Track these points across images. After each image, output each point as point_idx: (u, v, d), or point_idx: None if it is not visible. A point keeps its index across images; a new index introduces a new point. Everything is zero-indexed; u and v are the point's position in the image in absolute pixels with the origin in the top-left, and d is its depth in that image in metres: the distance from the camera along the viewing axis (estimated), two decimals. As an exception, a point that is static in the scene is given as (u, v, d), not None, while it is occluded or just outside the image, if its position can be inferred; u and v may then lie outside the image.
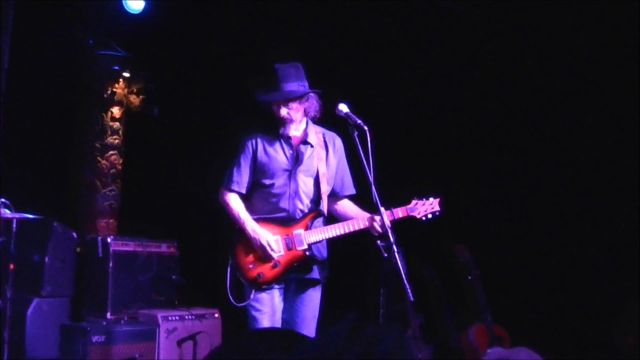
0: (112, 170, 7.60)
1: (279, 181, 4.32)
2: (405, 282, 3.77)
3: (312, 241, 4.27)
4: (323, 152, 4.40)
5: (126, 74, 7.63)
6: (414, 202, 4.33)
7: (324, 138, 4.44)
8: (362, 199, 4.44)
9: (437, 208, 4.34)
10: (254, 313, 4.27)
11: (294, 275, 4.33)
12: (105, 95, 7.53)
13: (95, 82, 7.54)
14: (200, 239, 6.72)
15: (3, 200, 5.32)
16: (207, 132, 7.29)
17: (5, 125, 4.96)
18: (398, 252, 3.84)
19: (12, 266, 5.40)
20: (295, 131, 4.38)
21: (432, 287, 6.01)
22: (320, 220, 4.39)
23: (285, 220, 4.29)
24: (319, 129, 4.47)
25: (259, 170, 4.36)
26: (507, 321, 5.86)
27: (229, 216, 4.38)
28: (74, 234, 6.26)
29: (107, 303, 5.98)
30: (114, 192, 7.60)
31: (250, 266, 4.24)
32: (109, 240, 6.13)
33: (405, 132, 6.87)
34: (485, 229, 6.67)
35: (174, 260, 6.49)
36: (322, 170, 4.37)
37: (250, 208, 4.37)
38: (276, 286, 4.30)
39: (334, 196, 4.51)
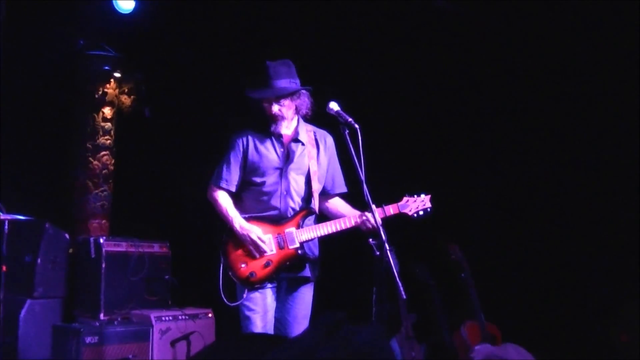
0: (104, 171, 7.59)
1: (270, 179, 4.32)
2: (398, 280, 3.77)
3: (304, 239, 4.27)
4: (314, 150, 4.40)
5: (117, 74, 7.62)
6: (405, 199, 4.34)
7: (315, 136, 4.45)
8: (353, 197, 4.44)
9: (428, 205, 4.35)
10: (247, 312, 4.27)
11: (286, 274, 4.33)
12: (96, 96, 7.52)
13: (86, 83, 7.54)
14: (192, 238, 6.70)
15: (-6, 201, 5.31)
16: (199, 131, 7.28)
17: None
18: (390, 250, 3.84)
19: (4, 268, 5.39)
20: (286, 129, 4.38)
21: (425, 286, 6.01)
22: (311, 218, 4.39)
23: (277, 219, 4.29)
24: (310, 127, 4.47)
25: (250, 169, 4.35)
26: (500, 320, 5.87)
27: (218, 213, 4.37)
28: (66, 235, 6.25)
29: (100, 304, 5.97)
30: (106, 192, 7.59)
31: (242, 265, 4.24)
32: (101, 240, 6.11)
33: (396, 131, 6.86)
34: (478, 228, 6.67)
35: (167, 261, 6.48)
36: (313, 168, 4.37)
37: (240, 207, 4.36)
38: (269, 285, 4.30)
39: (325, 194, 4.51)
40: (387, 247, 3.84)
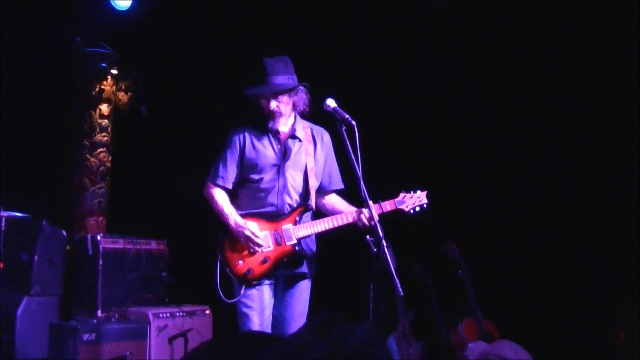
0: (101, 168, 7.58)
1: (268, 176, 4.31)
2: (395, 277, 3.76)
3: (301, 236, 4.27)
4: (311, 147, 4.40)
5: (114, 72, 7.62)
6: (402, 195, 4.34)
7: (312, 133, 4.45)
8: (349, 194, 4.44)
9: (424, 201, 4.36)
10: (244, 309, 4.26)
11: (283, 271, 4.33)
12: (93, 93, 7.51)
13: (83, 80, 7.53)
14: (190, 236, 6.70)
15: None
16: (196, 129, 7.27)
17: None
18: (387, 247, 3.84)
19: (1, 265, 5.38)
20: (284, 126, 4.37)
21: (423, 284, 6.01)
22: (308, 214, 4.39)
23: (274, 215, 4.29)
24: (307, 123, 4.47)
25: (247, 166, 4.35)
26: (497, 317, 5.87)
27: (214, 210, 4.37)
28: (63, 233, 6.25)
29: (97, 301, 5.97)
30: (103, 190, 7.58)
31: (240, 262, 4.23)
32: (98, 238, 6.11)
33: (393, 127, 6.86)
34: (476, 225, 6.67)
35: (164, 258, 6.49)
36: (310, 165, 4.37)
37: (237, 204, 4.36)
38: (266, 282, 4.30)
39: (322, 191, 4.52)
40: (384, 244, 3.84)
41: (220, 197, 4.36)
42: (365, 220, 4.17)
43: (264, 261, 4.23)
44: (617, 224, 5.94)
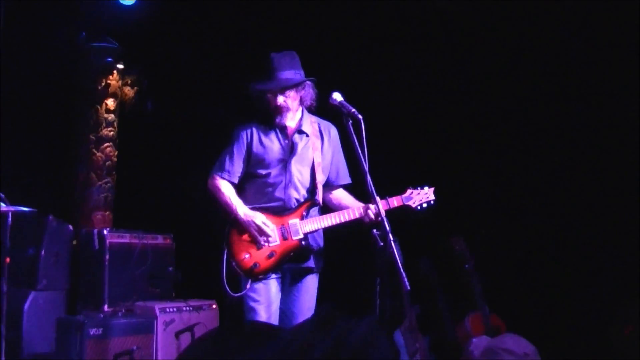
0: (108, 163, 7.59)
1: (275, 171, 4.31)
2: (402, 271, 3.76)
3: (308, 230, 4.27)
4: (318, 142, 4.40)
5: (120, 66, 7.62)
6: (409, 191, 4.33)
7: (319, 127, 4.44)
8: (356, 189, 4.43)
9: (432, 197, 4.35)
10: (251, 303, 4.26)
11: (289, 265, 4.32)
12: (99, 88, 7.52)
13: (88, 75, 7.53)
14: (196, 230, 6.70)
15: (-2, 193, 5.30)
16: (202, 123, 7.27)
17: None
18: (394, 241, 3.83)
19: (7, 260, 5.38)
20: (291, 121, 4.36)
21: (429, 278, 6.00)
22: (315, 209, 4.38)
23: (280, 210, 4.29)
24: (314, 118, 4.46)
25: (254, 161, 4.35)
26: (504, 311, 5.87)
27: (219, 202, 4.35)
28: (70, 227, 6.26)
29: (103, 296, 5.98)
30: (110, 184, 7.59)
31: (246, 256, 4.23)
32: (105, 232, 6.13)
33: (400, 122, 6.85)
34: (482, 220, 6.66)
35: (170, 253, 6.49)
36: (317, 159, 4.37)
37: (243, 198, 4.35)
38: (273, 276, 4.29)
39: (329, 186, 4.51)
40: (391, 239, 3.83)
41: (227, 189, 4.35)
42: (372, 216, 4.16)
43: (270, 255, 4.23)
44: (625, 217, 5.93)
